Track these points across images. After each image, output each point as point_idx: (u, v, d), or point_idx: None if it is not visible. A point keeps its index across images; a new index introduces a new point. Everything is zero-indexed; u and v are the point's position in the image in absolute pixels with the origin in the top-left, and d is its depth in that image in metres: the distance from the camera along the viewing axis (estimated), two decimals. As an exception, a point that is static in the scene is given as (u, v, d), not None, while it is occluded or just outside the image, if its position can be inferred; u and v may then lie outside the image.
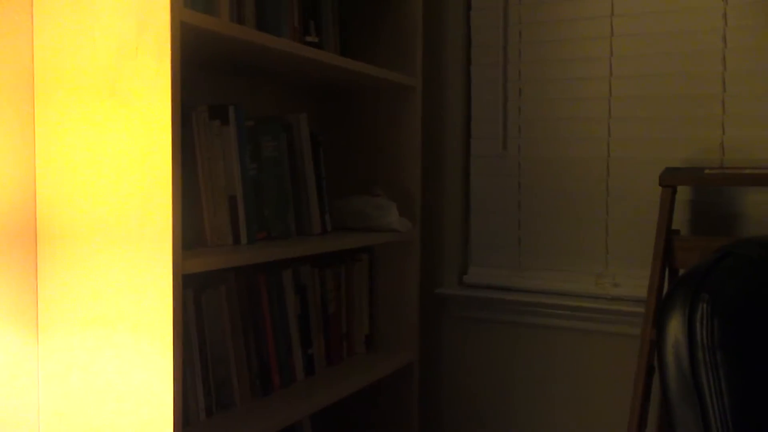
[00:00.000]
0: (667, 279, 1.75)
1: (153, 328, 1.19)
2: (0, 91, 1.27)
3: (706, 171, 1.63)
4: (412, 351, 1.98)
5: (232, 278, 1.51)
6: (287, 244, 1.53)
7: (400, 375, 1.99)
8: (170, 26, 1.16)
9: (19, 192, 1.30)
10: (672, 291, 0.87)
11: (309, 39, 1.74)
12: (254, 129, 1.60)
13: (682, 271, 1.77)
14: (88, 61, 1.24)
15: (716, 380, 0.81)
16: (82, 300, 1.27)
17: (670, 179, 1.64)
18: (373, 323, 2.03)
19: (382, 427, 2.02)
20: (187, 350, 1.38)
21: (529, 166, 2.05)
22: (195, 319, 1.41)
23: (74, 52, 1.26)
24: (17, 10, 1.29)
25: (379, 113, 2.00)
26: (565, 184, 2.00)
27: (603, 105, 1.94)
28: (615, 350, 1.92)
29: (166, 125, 1.17)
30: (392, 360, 1.89)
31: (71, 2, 1.26)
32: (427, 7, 2.15)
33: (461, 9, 2.12)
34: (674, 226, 1.84)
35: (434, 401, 2.19)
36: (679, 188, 1.84)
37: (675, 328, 0.84)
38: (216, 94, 1.72)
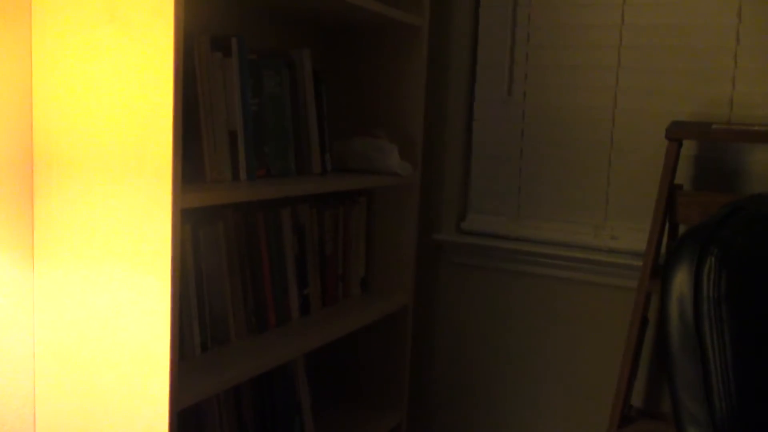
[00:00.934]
0: (667, 233, 1.75)
1: (151, 261, 1.18)
2: (-4, 12, 1.22)
3: (714, 126, 1.61)
4: (407, 295, 1.98)
5: (230, 215, 1.50)
6: (287, 182, 1.51)
7: (395, 318, 2.00)
8: (174, -50, 1.11)
9: (16, 118, 1.27)
10: (679, 244, 0.86)
11: (315, -28, 1.69)
12: (257, 63, 1.56)
13: (682, 226, 1.76)
14: (88, -16, 1.20)
15: (720, 334, 0.80)
16: (78, 231, 1.25)
17: (676, 132, 1.62)
18: (369, 266, 2.03)
19: (375, 369, 2.04)
20: (184, 285, 1.38)
21: (534, 113, 2.02)
22: (192, 254, 1.39)
23: (73, -26, 1.21)
24: (14, -73, 1.24)
25: (383, 53, 1.96)
26: (569, 134, 1.98)
27: (613, 53, 1.90)
28: (610, 302, 1.93)
29: (167, 55, 1.13)
30: (387, 303, 1.89)
31: None
32: (437, -56, 2.09)
33: (472, -52, 2.05)
34: (677, 181, 1.83)
35: (427, 345, 2.21)
36: (684, 143, 1.82)
37: (681, 281, 0.83)
38: (218, 25, 1.68)
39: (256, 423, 1.63)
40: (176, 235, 1.17)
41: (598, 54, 1.92)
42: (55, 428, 1.31)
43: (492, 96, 2.07)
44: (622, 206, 1.92)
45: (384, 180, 1.81)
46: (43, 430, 1.33)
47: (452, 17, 2.09)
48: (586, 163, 1.96)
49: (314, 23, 1.95)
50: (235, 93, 1.47)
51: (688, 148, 1.82)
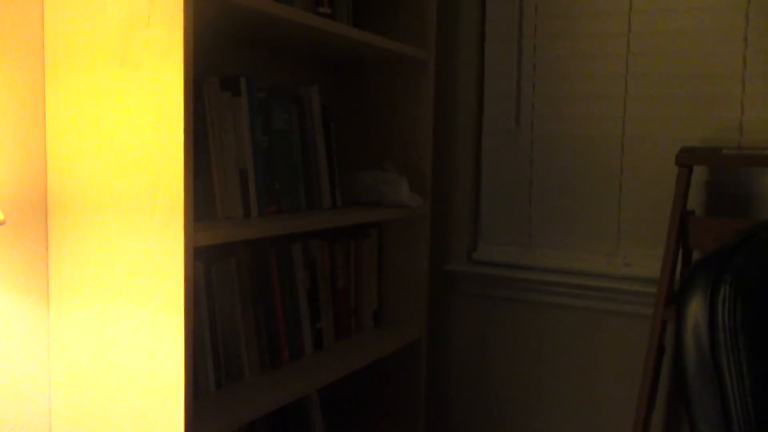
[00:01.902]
0: (681, 259, 1.74)
1: (164, 300, 1.18)
2: (10, 59, 1.25)
3: (724, 151, 1.61)
4: (421, 327, 1.97)
5: (242, 251, 1.50)
6: (297, 217, 1.52)
7: (408, 351, 1.99)
8: (183, -6, 1.13)
9: (30, 161, 1.29)
10: (693, 272, 0.86)
11: (321, 10, 1.71)
12: (265, 101, 1.58)
13: (696, 252, 1.75)
14: (99, 29, 1.22)
15: (737, 363, 0.79)
16: (92, 271, 1.26)
17: (686, 158, 1.62)
18: (381, 299, 2.02)
19: (390, 403, 2.03)
20: (198, 322, 1.38)
21: (542, 143, 2.02)
22: (205, 291, 1.40)
23: (84, 21, 1.24)
24: (27, -24, 1.27)
25: (391, 87, 1.98)
26: (578, 162, 1.98)
27: (619, 82, 1.91)
28: (625, 330, 1.92)
29: (178, 96, 1.15)
30: (400, 336, 1.88)
31: (82, -32, 1.23)
32: (442, -21, 2.12)
33: (476, -19, 2.08)
34: (689, 207, 1.83)
35: (442, 377, 2.19)
36: (695, 168, 1.82)
37: (696, 310, 0.83)
38: (227, 65, 1.70)
39: (271, 460, 1.62)
40: (189, 273, 1.18)
41: (604, 83, 1.93)
42: (69, 470, 1.31)
43: (500, 126, 2.08)
44: (635, 233, 1.92)
45: (394, 212, 1.81)
46: (58, 473, 1.32)
47: (458, 50, 2.11)
48: (597, 190, 1.96)
49: (322, 59, 1.98)
50: (245, 131, 1.49)
51: (699, 173, 1.82)
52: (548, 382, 2.03)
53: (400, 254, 1.99)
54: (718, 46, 1.79)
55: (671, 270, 1.62)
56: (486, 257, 2.12)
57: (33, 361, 1.31)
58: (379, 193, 1.86)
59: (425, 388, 2.01)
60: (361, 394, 2.07)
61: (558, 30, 1.98)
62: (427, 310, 2.04)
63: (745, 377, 0.79)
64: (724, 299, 0.80)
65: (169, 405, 1.19)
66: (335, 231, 1.90)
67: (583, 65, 1.95)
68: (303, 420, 1.70)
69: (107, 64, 1.22)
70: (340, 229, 1.93)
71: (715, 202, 1.80)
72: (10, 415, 1.28)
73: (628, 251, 1.93)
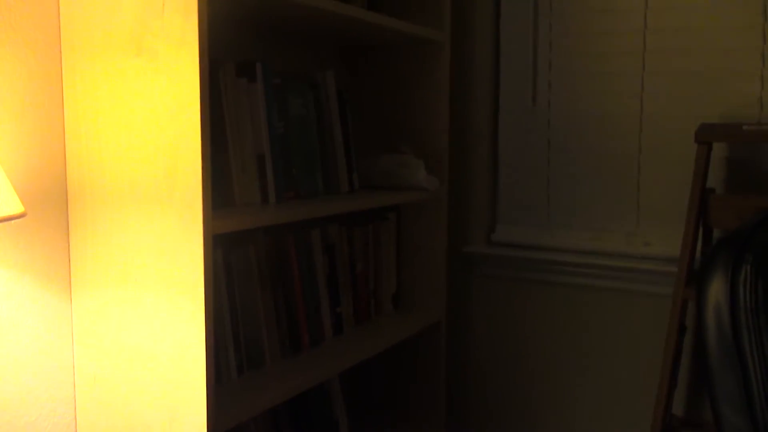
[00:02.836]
0: (701, 238, 1.72)
1: (184, 288, 1.19)
2: (27, 51, 1.26)
3: (744, 127, 1.59)
4: (440, 310, 1.97)
5: (261, 238, 1.51)
6: (315, 203, 1.53)
7: (428, 333, 2.00)
8: (196, -18, 1.13)
9: (49, 151, 1.30)
10: (714, 252, 0.85)
11: (335, -7, 1.70)
12: (281, 87, 1.58)
13: (716, 231, 1.73)
14: (114, 18, 1.22)
15: (759, 343, 0.79)
16: (113, 259, 1.27)
17: (706, 135, 1.60)
18: (400, 282, 2.03)
19: (410, 386, 2.04)
20: (218, 309, 1.39)
21: (559, 122, 2.01)
22: (225, 278, 1.41)
23: (100, 10, 1.24)
24: (41, -33, 1.27)
25: (406, 70, 1.97)
26: (596, 141, 1.96)
27: (637, 59, 1.88)
28: (646, 309, 1.91)
29: (194, 84, 1.15)
30: (420, 319, 1.89)
31: (95, -42, 1.24)
32: (455, -41, 2.10)
33: (490, -39, 2.06)
34: (709, 185, 1.81)
35: (462, 360, 2.20)
36: (715, 145, 1.80)
37: (716, 290, 0.82)
38: (242, 51, 1.70)
39: (294, 443, 1.64)
40: (208, 261, 1.19)
41: (622, 59, 1.90)
42: (97, 455, 1.33)
43: (516, 106, 2.07)
44: (654, 212, 1.90)
45: (412, 195, 1.81)
46: (86, 458, 1.35)
47: (473, 30, 2.09)
48: (615, 169, 1.94)
49: (337, 43, 1.97)
50: (262, 117, 1.49)
51: (719, 150, 1.79)
52: (569, 362, 2.03)
53: (419, 237, 1.99)
54: (736, 21, 1.76)
55: (691, 249, 1.61)
56: (504, 238, 2.11)
57: (57, 349, 1.33)
58: (396, 176, 1.86)
59: (446, 371, 2.01)
60: (381, 377, 2.08)
61: (573, 7, 1.96)
62: (447, 292, 2.04)
63: (767, 357, 0.78)
64: (746, 279, 0.80)
65: (191, 391, 1.20)
66: (353, 215, 1.91)
67: (599, 42, 1.93)
68: (324, 404, 1.71)
69: (123, 53, 1.22)
70: (358, 213, 1.93)
71: (735, 179, 1.78)
72: (36, 401, 1.30)
73: (648, 230, 1.91)
